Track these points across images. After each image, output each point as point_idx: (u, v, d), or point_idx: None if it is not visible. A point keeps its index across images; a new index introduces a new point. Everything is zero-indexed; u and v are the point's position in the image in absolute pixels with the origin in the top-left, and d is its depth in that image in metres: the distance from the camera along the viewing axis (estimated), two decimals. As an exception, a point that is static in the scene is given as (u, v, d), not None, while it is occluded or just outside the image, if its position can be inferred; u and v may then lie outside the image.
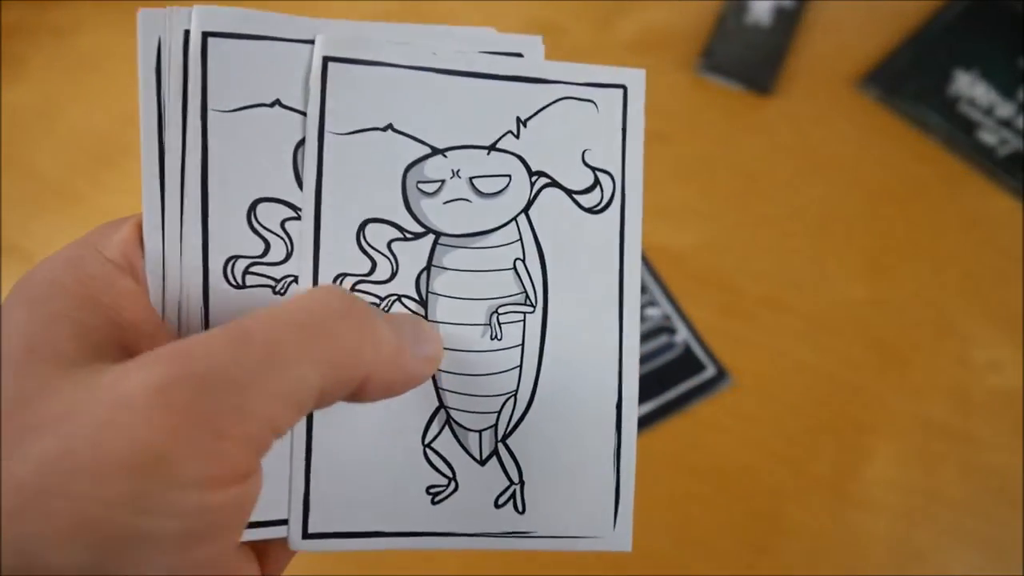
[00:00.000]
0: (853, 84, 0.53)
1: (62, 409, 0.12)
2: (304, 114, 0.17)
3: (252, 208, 0.17)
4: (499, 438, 0.18)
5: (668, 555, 0.39)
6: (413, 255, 0.18)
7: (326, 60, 0.16)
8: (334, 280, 0.17)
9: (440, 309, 0.18)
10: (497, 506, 0.18)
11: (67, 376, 0.13)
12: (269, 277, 0.17)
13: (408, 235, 0.18)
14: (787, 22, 0.55)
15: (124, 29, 0.57)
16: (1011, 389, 0.42)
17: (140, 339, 0.15)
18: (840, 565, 0.26)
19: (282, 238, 0.17)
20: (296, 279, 0.17)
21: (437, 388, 0.18)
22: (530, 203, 0.18)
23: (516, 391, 0.18)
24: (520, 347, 0.18)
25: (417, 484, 0.18)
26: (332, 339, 0.14)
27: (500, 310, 0.18)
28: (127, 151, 0.52)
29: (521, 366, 0.18)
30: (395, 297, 0.18)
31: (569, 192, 0.18)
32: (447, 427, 0.18)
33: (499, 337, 0.18)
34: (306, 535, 0.17)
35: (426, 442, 0.18)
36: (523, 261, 0.18)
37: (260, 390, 0.13)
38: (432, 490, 0.18)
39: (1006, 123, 0.50)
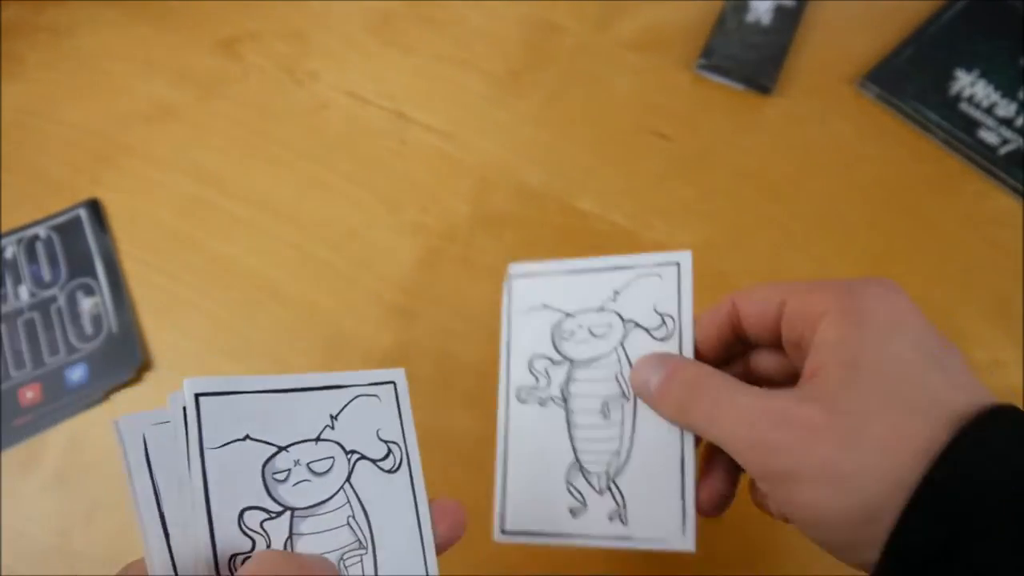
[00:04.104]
0: (853, 83, 0.53)
1: None
2: (265, 443, 0.23)
3: (240, 515, 0.22)
4: None
5: (669, 555, 0.38)
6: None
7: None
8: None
9: None
10: None
11: None
12: None
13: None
14: (787, 21, 0.54)
15: (122, 28, 0.57)
16: (1012, 389, 0.42)
17: None
18: (842, 565, 0.26)
19: (262, 535, 0.23)
20: None
21: None
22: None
23: None
24: None
25: None
26: None
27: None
28: (126, 149, 0.52)
29: None
30: None
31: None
32: None
33: None
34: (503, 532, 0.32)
35: None
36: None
37: None
38: None
39: (1007, 122, 0.49)
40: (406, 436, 0.26)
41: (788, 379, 0.29)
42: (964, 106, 0.50)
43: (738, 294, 0.28)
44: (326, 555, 0.23)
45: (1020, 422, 0.22)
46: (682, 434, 0.29)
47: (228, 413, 0.22)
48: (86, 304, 0.47)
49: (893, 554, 0.21)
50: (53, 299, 0.47)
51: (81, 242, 0.48)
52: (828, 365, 0.24)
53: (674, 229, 0.48)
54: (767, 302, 0.27)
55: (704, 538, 0.39)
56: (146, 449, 0.21)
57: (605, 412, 0.31)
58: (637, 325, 0.31)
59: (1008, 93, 0.50)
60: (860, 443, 0.22)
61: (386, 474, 0.25)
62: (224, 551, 0.22)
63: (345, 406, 0.25)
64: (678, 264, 0.30)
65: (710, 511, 0.30)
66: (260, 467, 0.23)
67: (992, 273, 0.46)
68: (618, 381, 0.31)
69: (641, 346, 0.30)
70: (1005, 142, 0.49)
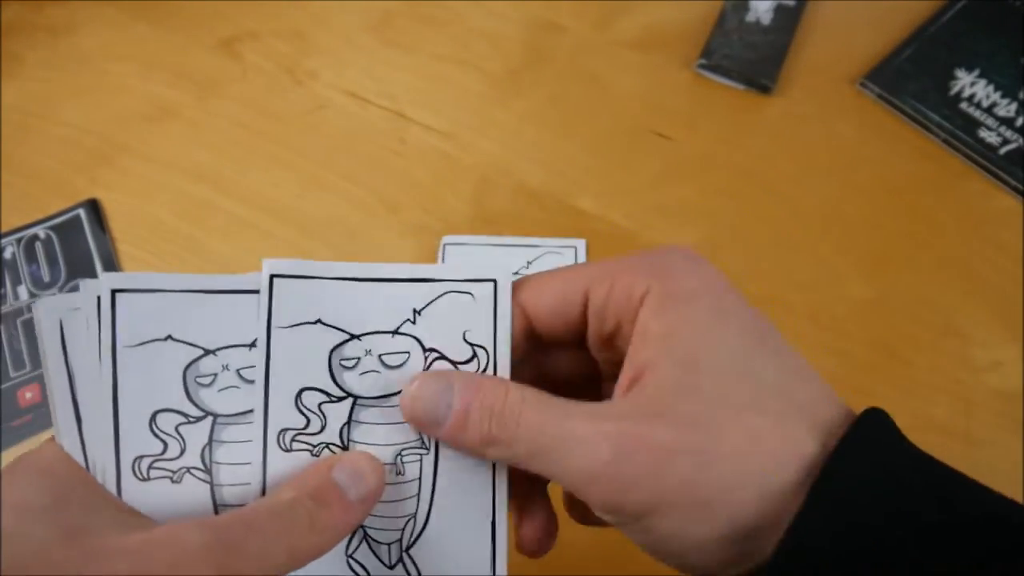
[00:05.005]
0: (854, 83, 0.53)
1: (130, 546, 0.18)
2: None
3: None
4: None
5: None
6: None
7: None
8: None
9: None
10: None
11: (105, 521, 0.19)
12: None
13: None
14: (788, 21, 0.54)
15: (121, 27, 0.57)
16: (1012, 389, 0.42)
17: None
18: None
19: (318, 416, 0.23)
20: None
21: None
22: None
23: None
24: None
25: None
26: (297, 533, 0.20)
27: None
28: (124, 149, 0.52)
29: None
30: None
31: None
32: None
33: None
34: None
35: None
36: None
37: (260, 556, 0.19)
38: None
39: (1007, 121, 0.49)
40: (498, 341, 0.23)
41: (589, 379, 0.26)
42: (964, 106, 0.50)
43: (523, 289, 0.24)
44: (382, 447, 0.23)
45: (888, 429, 0.21)
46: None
47: (301, 296, 0.22)
48: (85, 304, 0.46)
49: (785, 562, 0.19)
50: (52, 299, 0.47)
51: (80, 242, 0.48)
52: (660, 365, 0.21)
53: (674, 229, 0.48)
54: (565, 295, 0.23)
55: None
56: (62, 333, 0.21)
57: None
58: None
59: (1009, 93, 0.50)
60: (717, 459, 0.20)
61: None
62: (275, 424, 0.22)
63: (431, 301, 0.23)
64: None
65: (535, 551, 0.25)
66: (327, 352, 0.22)
67: (992, 273, 0.46)
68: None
69: None
70: (1006, 142, 0.49)
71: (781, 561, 0.19)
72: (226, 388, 0.22)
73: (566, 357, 0.26)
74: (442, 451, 0.23)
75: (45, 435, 0.43)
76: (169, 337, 0.22)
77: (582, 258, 0.30)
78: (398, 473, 0.23)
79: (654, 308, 0.22)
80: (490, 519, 0.24)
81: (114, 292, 0.21)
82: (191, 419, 0.22)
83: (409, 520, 0.23)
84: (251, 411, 0.22)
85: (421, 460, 0.23)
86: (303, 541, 0.20)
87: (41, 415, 0.43)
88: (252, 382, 0.22)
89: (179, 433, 0.22)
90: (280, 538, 0.19)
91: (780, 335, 0.23)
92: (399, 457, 0.23)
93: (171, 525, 0.19)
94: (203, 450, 0.22)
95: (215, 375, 0.22)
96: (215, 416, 0.22)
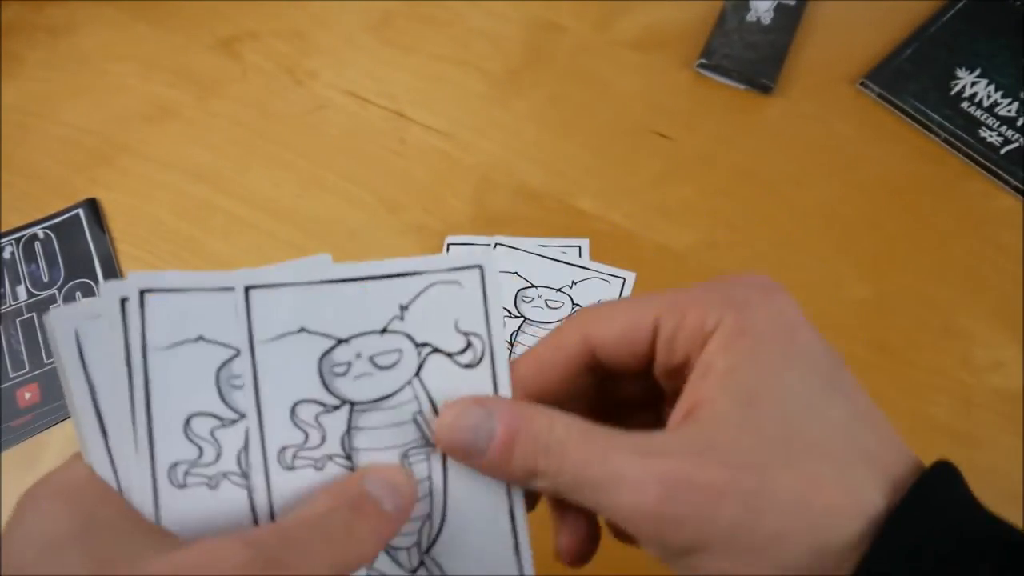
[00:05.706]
0: (854, 83, 0.53)
1: (166, 569, 0.17)
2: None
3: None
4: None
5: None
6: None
7: (247, 289, 0.22)
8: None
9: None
10: None
11: (137, 545, 0.19)
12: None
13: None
14: (788, 20, 0.54)
15: (121, 27, 0.57)
16: (1013, 389, 0.42)
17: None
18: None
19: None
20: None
21: None
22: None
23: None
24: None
25: None
26: (337, 544, 0.19)
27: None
28: (124, 149, 0.52)
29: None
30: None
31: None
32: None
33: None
34: None
35: None
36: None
37: (300, 570, 0.18)
38: None
39: (1008, 121, 0.49)
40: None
41: (650, 400, 0.25)
42: (965, 105, 0.50)
43: (588, 319, 0.23)
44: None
45: (955, 485, 0.20)
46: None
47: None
48: (85, 304, 0.46)
49: None
50: (52, 299, 0.47)
51: (80, 242, 0.48)
52: (717, 400, 0.20)
53: (674, 229, 0.47)
54: (634, 324, 0.22)
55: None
56: (79, 344, 0.21)
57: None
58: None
59: (1009, 92, 0.50)
60: (771, 504, 0.18)
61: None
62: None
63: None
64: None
65: (576, 561, 0.25)
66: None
67: (993, 273, 0.46)
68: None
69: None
70: (1007, 142, 0.49)
71: None
72: (361, 376, 0.22)
73: (629, 381, 0.25)
74: None
75: (44, 435, 0.43)
76: (302, 329, 0.22)
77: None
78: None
79: (721, 343, 0.21)
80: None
81: (248, 289, 0.21)
82: (328, 408, 0.22)
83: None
84: (388, 396, 0.22)
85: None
86: (342, 553, 0.19)
87: (41, 415, 0.43)
88: (386, 368, 0.22)
89: (319, 422, 0.22)
90: (319, 551, 0.19)
91: (851, 375, 0.21)
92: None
93: (208, 542, 0.18)
94: (342, 437, 0.22)
95: (349, 363, 0.22)
96: (352, 403, 0.22)
